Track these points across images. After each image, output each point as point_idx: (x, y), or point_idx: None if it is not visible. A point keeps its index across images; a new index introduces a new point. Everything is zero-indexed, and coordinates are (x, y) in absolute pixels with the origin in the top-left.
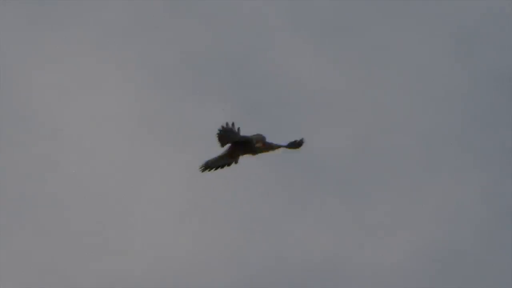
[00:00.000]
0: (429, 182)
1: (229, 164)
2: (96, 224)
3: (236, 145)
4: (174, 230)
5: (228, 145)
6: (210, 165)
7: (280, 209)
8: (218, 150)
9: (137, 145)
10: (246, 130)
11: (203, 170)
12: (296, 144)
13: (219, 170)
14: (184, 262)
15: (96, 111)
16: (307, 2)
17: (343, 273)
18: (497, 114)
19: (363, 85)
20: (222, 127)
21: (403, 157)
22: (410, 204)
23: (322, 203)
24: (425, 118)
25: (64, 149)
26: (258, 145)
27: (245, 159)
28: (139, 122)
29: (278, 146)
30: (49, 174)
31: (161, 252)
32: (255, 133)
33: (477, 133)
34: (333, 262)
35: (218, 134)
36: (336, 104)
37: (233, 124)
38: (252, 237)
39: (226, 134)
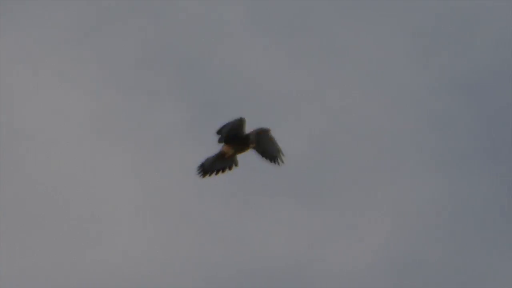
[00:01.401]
0: (390, 184)
1: (230, 168)
2: (49, 223)
3: (232, 141)
4: (129, 233)
5: (222, 146)
6: (208, 169)
7: (242, 213)
8: (172, 150)
9: (92, 144)
10: (204, 131)
11: (203, 175)
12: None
13: (220, 174)
14: (139, 266)
15: (53, 110)
16: (266, 0)
17: (305, 278)
18: (457, 116)
19: (322, 85)
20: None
21: (363, 159)
22: (370, 207)
23: (283, 207)
24: (386, 119)
25: (21, 148)
26: (252, 145)
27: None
28: (95, 121)
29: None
30: (5, 173)
31: (116, 254)
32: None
33: (438, 135)
34: (295, 267)
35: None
36: (295, 104)
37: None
38: (212, 241)
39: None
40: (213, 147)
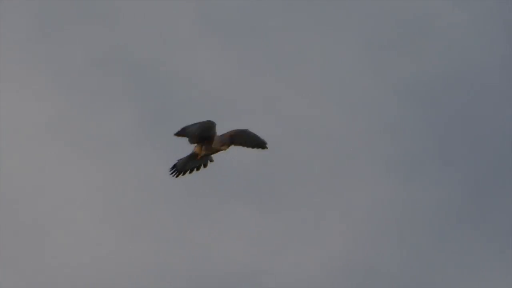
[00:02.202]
0: (344, 188)
1: (205, 165)
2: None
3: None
4: (84, 237)
5: (194, 145)
6: (181, 169)
7: (195, 217)
8: (124, 152)
9: (45, 147)
10: (156, 134)
11: (177, 175)
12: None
13: (194, 172)
14: (93, 269)
15: (4, 114)
16: (217, 2)
17: (258, 281)
18: (409, 121)
19: (274, 89)
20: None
21: (317, 163)
22: (324, 211)
23: (236, 211)
24: (339, 124)
25: None
26: (223, 148)
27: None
28: (47, 125)
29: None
30: None
31: (74, 259)
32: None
33: (391, 140)
34: (248, 271)
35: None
36: (247, 107)
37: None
38: (165, 245)
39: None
40: (166, 149)
